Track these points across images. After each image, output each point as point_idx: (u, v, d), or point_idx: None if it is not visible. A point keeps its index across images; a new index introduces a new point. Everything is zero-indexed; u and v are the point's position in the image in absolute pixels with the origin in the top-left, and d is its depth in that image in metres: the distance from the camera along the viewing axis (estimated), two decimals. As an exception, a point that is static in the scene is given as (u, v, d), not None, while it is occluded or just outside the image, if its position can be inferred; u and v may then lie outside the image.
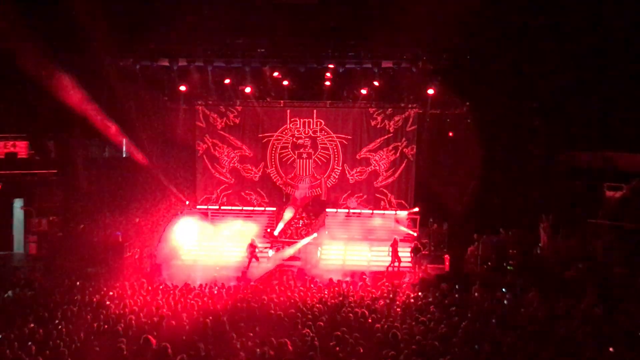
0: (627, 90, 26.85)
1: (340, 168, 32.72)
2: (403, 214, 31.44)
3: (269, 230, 30.33)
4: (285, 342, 13.56)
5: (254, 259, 27.36)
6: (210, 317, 16.59)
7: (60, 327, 15.78)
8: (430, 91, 29.94)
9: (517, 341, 14.54)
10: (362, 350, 13.51)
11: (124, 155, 33.00)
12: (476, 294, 21.00)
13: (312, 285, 22.41)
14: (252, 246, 27.59)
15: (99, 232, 28.76)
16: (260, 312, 17.51)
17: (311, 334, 14.55)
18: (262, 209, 32.49)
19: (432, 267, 27.35)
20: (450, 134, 31.04)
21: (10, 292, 16.32)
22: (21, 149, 30.81)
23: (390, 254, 27.24)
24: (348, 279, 24.15)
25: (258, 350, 13.43)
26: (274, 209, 32.11)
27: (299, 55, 28.82)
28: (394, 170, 32.38)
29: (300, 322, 15.97)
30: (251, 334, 14.79)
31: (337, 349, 13.65)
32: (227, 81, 30.57)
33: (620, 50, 26.26)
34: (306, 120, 32.75)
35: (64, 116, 28.33)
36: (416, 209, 31.00)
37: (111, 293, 20.34)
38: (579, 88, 27.38)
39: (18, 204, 31.00)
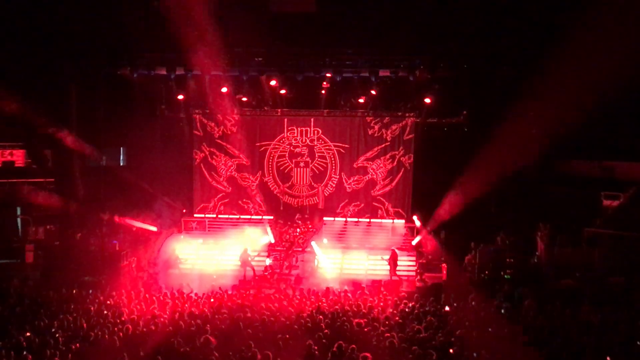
0: (625, 99, 26.93)
1: (337, 177, 32.71)
2: (400, 222, 31.47)
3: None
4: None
5: (249, 269, 27.38)
6: (208, 325, 16.61)
7: (57, 335, 15.76)
8: (427, 100, 30.02)
9: (514, 350, 14.54)
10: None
11: (122, 164, 33.03)
12: (473, 302, 20.99)
13: (309, 294, 22.41)
14: (244, 255, 27.62)
15: (96, 240, 28.74)
16: (258, 321, 17.48)
17: (310, 343, 14.57)
18: (260, 217, 32.44)
19: (430, 276, 27.33)
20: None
21: None
22: (18, 157, 30.82)
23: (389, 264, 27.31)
24: (346, 287, 24.12)
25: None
26: (271, 217, 32.06)
27: (297, 64, 28.88)
28: (391, 179, 32.36)
29: (298, 331, 15.98)
30: (249, 343, 14.75)
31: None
32: (224, 90, 30.59)
33: (618, 58, 26.33)
34: (303, 128, 32.74)
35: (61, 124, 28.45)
36: (415, 217, 31.05)
37: (108, 302, 20.32)
38: (577, 97, 27.45)
39: (16, 212, 30.98)
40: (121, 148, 34.71)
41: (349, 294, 22.32)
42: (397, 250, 27.83)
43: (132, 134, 30.89)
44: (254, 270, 27.33)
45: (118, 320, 17.73)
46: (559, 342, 15.09)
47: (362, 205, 32.70)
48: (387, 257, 27.46)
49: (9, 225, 30.68)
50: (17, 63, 27.35)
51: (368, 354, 13.80)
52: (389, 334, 15.70)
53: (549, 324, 17.40)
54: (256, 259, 28.25)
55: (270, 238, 30.03)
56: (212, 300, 21.31)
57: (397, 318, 18.28)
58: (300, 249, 29.24)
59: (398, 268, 27.36)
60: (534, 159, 29.48)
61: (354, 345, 14.49)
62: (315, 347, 14.41)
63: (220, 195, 33.35)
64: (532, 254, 27.54)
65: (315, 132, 32.67)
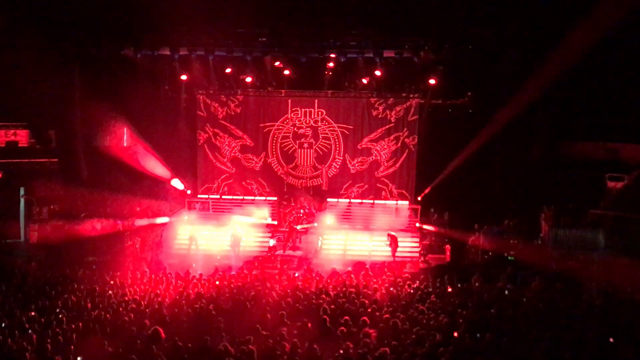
0: (630, 80, 26.82)
1: (341, 158, 32.66)
2: (404, 204, 31.45)
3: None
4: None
5: (236, 248, 27.61)
6: (212, 305, 16.64)
7: (61, 315, 15.80)
8: (432, 81, 29.90)
9: (517, 331, 14.55)
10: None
11: (125, 144, 32.98)
12: (477, 284, 21.00)
13: (313, 275, 22.42)
14: (235, 235, 27.68)
15: (100, 220, 28.78)
16: (262, 300, 17.51)
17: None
18: (263, 198, 32.41)
19: (433, 257, 27.35)
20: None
21: None
22: (22, 137, 30.82)
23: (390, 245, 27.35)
24: (349, 268, 24.12)
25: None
26: (275, 198, 32.06)
27: (301, 44, 28.77)
28: (395, 160, 32.30)
29: (302, 311, 16.02)
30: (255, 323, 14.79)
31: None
32: (228, 70, 30.52)
33: (623, 40, 26.20)
34: (307, 109, 32.68)
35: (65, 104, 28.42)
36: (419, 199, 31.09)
37: (112, 282, 20.36)
38: (582, 78, 27.34)
39: (19, 192, 31.01)
40: (124, 128, 34.68)
41: (352, 275, 22.32)
42: (394, 234, 27.75)
43: (136, 114, 30.86)
44: (239, 252, 27.50)
45: (122, 300, 17.78)
46: (562, 323, 15.08)
47: (366, 186, 32.67)
48: (388, 242, 27.48)
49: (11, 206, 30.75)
50: (22, 43, 27.31)
51: (372, 331, 13.90)
52: (392, 315, 15.73)
53: (552, 305, 17.41)
54: (251, 239, 28.47)
55: (270, 220, 30.10)
56: (216, 281, 21.30)
57: (400, 299, 18.30)
58: (303, 230, 29.28)
59: (401, 249, 27.38)
60: (538, 141, 29.46)
61: (347, 317, 14.64)
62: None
63: (224, 176, 33.33)
64: (536, 236, 27.52)
65: (319, 113, 32.60)
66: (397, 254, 27.09)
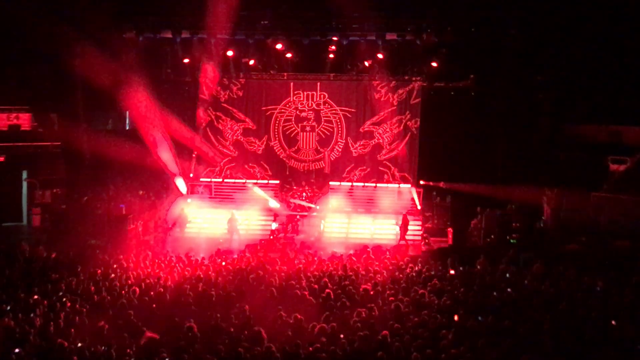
0: (633, 64, 26.77)
1: (343, 141, 32.58)
2: (406, 187, 31.43)
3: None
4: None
5: (234, 233, 27.62)
6: (214, 289, 16.71)
7: (64, 299, 15.86)
8: (435, 64, 29.80)
9: (519, 314, 14.59)
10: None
11: (127, 128, 32.94)
12: (479, 267, 21.02)
13: (314, 258, 22.46)
14: (232, 220, 27.72)
15: (103, 204, 28.81)
16: (265, 283, 17.58)
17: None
18: (266, 181, 32.43)
19: (436, 241, 27.35)
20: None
21: None
22: (24, 121, 30.83)
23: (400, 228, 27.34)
24: (351, 251, 24.15)
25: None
26: (277, 181, 32.07)
27: (303, 27, 28.67)
28: (398, 143, 32.21)
29: (305, 294, 16.10)
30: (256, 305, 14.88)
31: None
32: (230, 53, 30.42)
33: (627, 23, 26.15)
34: (310, 93, 32.58)
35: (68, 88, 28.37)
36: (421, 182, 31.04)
37: (115, 265, 20.38)
38: (585, 61, 27.29)
39: (22, 176, 31.06)
40: (127, 112, 34.62)
41: (354, 258, 22.36)
42: (409, 216, 27.83)
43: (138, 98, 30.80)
44: (239, 235, 27.58)
45: (124, 284, 17.83)
46: (564, 306, 15.12)
47: (368, 169, 32.58)
48: (400, 222, 27.48)
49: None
50: (23, 26, 27.26)
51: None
52: (394, 297, 15.78)
53: (554, 288, 17.43)
54: (244, 223, 28.65)
55: (275, 203, 30.07)
56: (222, 263, 21.36)
57: (402, 282, 18.33)
58: (305, 213, 29.31)
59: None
60: (541, 124, 29.42)
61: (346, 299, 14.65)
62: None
63: (227, 159, 33.28)
64: (538, 219, 27.53)
65: (322, 96, 32.51)
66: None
